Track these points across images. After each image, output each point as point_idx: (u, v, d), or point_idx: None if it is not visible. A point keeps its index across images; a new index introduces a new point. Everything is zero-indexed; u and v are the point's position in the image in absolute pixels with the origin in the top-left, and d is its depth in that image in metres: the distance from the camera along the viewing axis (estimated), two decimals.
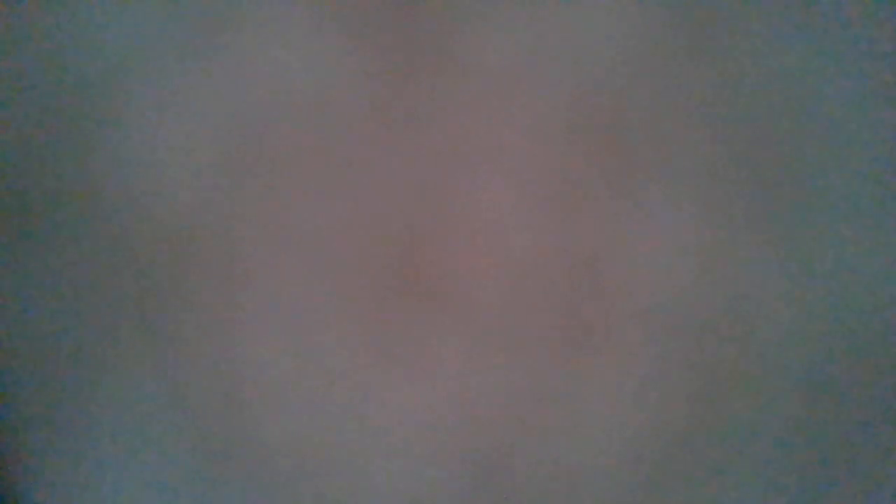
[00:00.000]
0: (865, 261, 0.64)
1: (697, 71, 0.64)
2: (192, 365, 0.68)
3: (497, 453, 0.67)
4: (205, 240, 0.68)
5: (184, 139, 0.68)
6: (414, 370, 0.67)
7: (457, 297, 0.66)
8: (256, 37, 0.67)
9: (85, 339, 0.69)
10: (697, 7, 0.64)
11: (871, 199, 0.64)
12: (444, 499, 0.68)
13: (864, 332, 0.65)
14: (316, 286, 0.67)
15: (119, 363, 0.68)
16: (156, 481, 0.68)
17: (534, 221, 0.66)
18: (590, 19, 0.65)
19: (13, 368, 0.69)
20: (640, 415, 0.66)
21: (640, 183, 0.65)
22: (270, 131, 0.67)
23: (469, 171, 0.66)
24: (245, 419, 0.68)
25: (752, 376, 0.65)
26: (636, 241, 0.65)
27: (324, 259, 0.67)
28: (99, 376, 0.69)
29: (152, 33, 0.67)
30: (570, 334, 0.66)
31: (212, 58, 0.67)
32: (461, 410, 0.67)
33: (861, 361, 0.65)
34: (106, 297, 0.68)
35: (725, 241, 0.65)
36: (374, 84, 0.66)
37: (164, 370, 0.68)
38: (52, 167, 0.68)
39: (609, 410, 0.66)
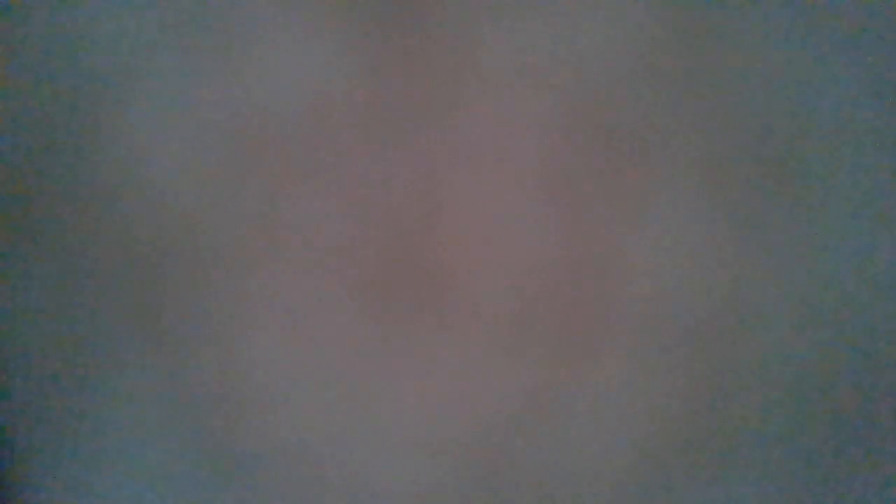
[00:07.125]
0: (865, 261, 0.64)
1: (697, 71, 0.65)
2: (193, 363, 0.68)
3: (498, 452, 0.67)
4: (206, 239, 0.68)
5: (185, 138, 0.68)
6: (415, 369, 0.67)
7: (458, 296, 0.66)
8: (256, 37, 0.67)
9: (86, 337, 0.69)
10: (697, 8, 0.64)
11: (871, 199, 0.64)
12: (444, 497, 0.68)
13: (864, 332, 0.65)
14: (317, 285, 0.67)
15: (120, 362, 0.68)
16: (157, 480, 0.69)
17: (534, 221, 0.66)
18: (590, 20, 0.65)
19: (13, 368, 0.69)
20: (640, 415, 0.66)
21: (641, 183, 0.65)
22: (272, 130, 0.67)
23: (470, 170, 0.66)
24: (246, 417, 0.68)
25: (751, 376, 0.65)
26: (637, 241, 0.65)
27: (325, 258, 0.67)
28: (99, 375, 0.69)
29: (154, 33, 0.67)
30: (571, 333, 0.66)
31: (213, 57, 0.67)
32: (462, 409, 0.67)
33: (861, 361, 0.65)
34: (107, 296, 0.68)
35: (725, 241, 0.65)
36: (375, 84, 0.66)
37: (165, 368, 0.68)
38: (54, 166, 0.68)
39: (609, 410, 0.66)
